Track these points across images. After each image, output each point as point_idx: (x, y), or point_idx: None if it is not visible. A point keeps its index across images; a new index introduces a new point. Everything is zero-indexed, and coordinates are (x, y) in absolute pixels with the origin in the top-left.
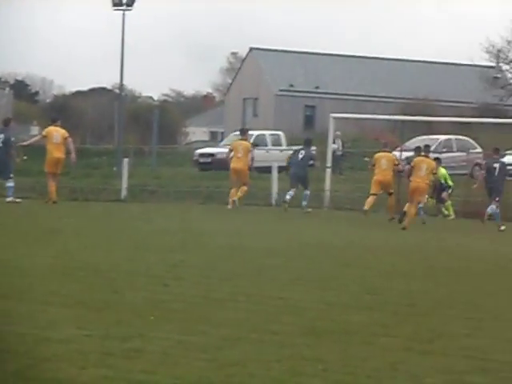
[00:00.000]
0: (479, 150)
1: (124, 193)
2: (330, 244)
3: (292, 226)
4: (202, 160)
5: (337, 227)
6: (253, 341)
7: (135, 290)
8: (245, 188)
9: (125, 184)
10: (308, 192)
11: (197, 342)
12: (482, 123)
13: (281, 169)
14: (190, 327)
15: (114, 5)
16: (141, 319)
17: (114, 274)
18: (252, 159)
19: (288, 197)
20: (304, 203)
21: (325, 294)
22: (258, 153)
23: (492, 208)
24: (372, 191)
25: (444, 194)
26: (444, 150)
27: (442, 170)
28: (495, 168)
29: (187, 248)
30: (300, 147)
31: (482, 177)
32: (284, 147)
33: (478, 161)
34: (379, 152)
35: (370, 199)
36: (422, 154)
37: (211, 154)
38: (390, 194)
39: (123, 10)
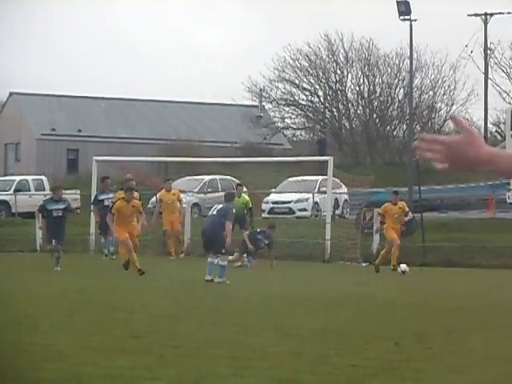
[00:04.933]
0: (244, 189)
1: None
2: (95, 289)
3: (55, 271)
4: None
5: (102, 271)
6: None
7: None
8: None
9: None
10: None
11: None
12: (246, 162)
13: None
14: None
15: None
16: None
17: None
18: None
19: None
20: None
21: (89, 340)
22: (21, 198)
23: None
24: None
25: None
26: (209, 190)
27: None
28: None
29: None
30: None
31: None
32: (47, 192)
33: None
34: None
35: None
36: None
37: None
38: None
39: None
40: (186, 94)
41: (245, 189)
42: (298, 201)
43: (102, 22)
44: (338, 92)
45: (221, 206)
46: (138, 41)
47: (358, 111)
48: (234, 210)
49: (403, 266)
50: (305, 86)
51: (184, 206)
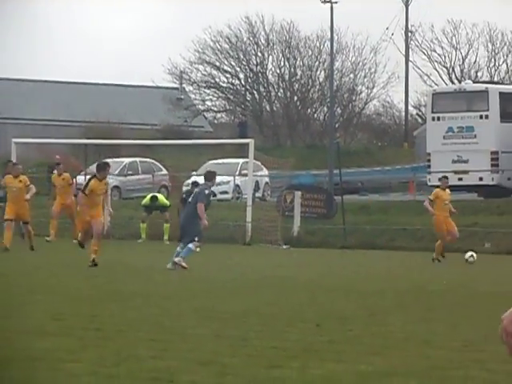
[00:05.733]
0: (164, 171)
1: None
2: (14, 271)
3: None
4: None
5: (21, 254)
6: None
7: None
8: None
9: None
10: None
11: None
12: (166, 145)
13: None
14: None
15: None
16: None
17: None
18: None
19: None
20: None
21: (7, 323)
22: None
23: None
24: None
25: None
26: (129, 172)
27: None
28: None
29: None
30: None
31: None
32: None
33: (165, 183)
34: None
35: None
36: None
37: None
38: None
39: None
40: (105, 75)
41: (164, 171)
42: (218, 183)
43: (22, 7)
44: (259, 74)
45: (197, 189)
46: (58, 23)
47: (279, 94)
48: (207, 191)
49: (470, 254)
50: (225, 68)
51: None
